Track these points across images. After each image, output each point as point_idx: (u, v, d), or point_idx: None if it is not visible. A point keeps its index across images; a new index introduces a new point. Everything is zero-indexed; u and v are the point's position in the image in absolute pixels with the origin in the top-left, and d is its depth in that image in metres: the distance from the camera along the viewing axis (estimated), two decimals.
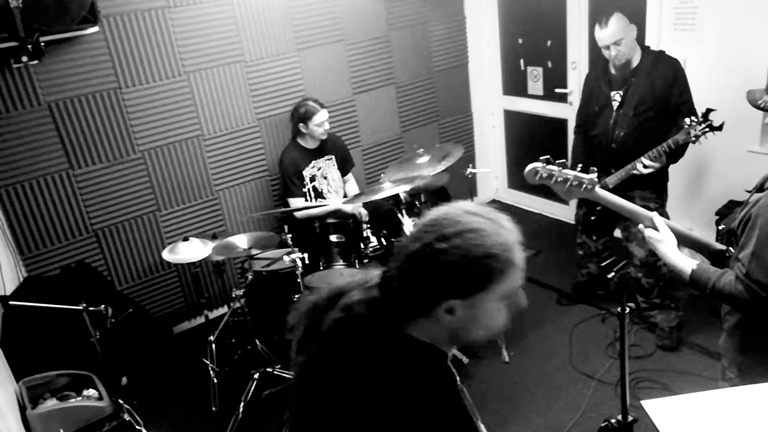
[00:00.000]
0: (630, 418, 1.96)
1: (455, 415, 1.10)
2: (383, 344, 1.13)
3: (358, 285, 1.22)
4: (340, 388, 1.13)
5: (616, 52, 3.04)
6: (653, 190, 3.21)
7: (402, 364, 1.10)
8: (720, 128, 2.71)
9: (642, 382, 3.10)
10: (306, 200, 3.74)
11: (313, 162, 3.75)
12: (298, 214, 3.66)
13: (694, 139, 2.76)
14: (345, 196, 3.92)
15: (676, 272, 1.84)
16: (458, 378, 1.19)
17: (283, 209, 3.82)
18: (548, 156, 1.89)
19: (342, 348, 1.14)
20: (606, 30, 3.01)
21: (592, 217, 3.34)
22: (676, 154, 2.98)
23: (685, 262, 1.81)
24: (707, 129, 2.73)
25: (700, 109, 2.82)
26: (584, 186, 1.85)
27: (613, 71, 3.21)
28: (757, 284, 1.65)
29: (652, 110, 3.08)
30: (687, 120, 2.77)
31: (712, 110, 2.72)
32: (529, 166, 1.92)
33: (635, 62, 3.11)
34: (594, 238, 3.58)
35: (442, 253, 1.06)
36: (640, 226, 1.90)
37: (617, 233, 3.54)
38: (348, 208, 3.57)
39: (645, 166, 2.98)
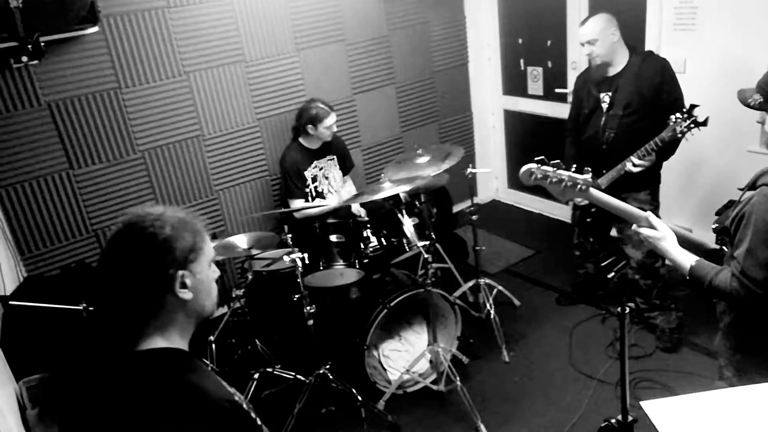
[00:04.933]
0: (630, 418, 1.96)
1: (221, 402, 1.16)
2: (123, 375, 1.18)
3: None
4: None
5: (590, 51, 3.10)
6: (647, 192, 3.21)
7: (150, 384, 1.15)
8: (705, 123, 2.72)
9: (642, 382, 3.11)
10: (307, 201, 3.74)
11: (314, 162, 3.75)
12: (297, 213, 3.66)
13: (680, 135, 2.77)
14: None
15: (677, 268, 1.84)
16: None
17: (283, 209, 3.82)
18: (543, 157, 1.90)
19: (92, 393, 1.23)
20: (583, 28, 3.10)
21: (588, 219, 3.34)
22: (666, 151, 2.99)
23: (686, 259, 1.81)
24: (692, 125, 2.73)
25: (688, 106, 2.82)
26: (578, 186, 1.86)
27: (594, 71, 3.23)
28: (752, 281, 1.66)
29: (641, 111, 3.08)
30: (672, 117, 2.78)
31: (696, 105, 2.72)
32: (524, 168, 1.93)
33: (619, 65, 3.12)
34: (591, 239, 3.58)
35: (156, 233, 1.19)
36: (634, 227, 1.90)
37: (613, 233, 3.54)
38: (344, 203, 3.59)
39: (634, 165, 2.98)
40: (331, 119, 3.61)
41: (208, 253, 1.28)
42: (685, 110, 2.74)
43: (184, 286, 1.22)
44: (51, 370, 1.31)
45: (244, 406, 1.20)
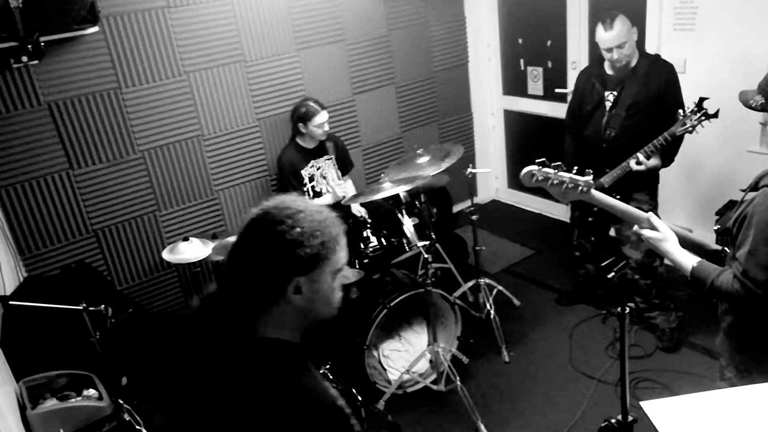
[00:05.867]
0: (630, 418, 1.96)
1: (328, 406, 1.18)
2: (239, 358, 1.20)
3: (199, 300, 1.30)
4: (208, 413, 1.21)
5: (619, 55, 3.03)
6: (646, 192, 3.21)
7: (264, 376, 1.18)
8: (716, 115, 2.69)
9: (642, 382, 3.11)
10: None
11: (312, 162, 3.75)
12: None
13: (690, 129, 2.75)
14: (344, 196, 3.92)
15: (679, 269, 1.84)
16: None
17: None
18: (544, 159, 1.90)
19: (201, 367, 1.23)
20: (611, 32, 2.99)
21: (589, 219, 3.34)
22: (670, 151, 2.98)
23: (687, 259, 1.81)
24: (703, 117, 2.71)
25: (691, 103, 2.81)
26: (580, 188, 1.86)
27: (609, 72, 3.20)
28: (753, 282, 1.66)
29: (644, 112, 3.08)
30: (681, 111, 2.76)
31: (705, 98, 2.70)
32: (525, 169, 1.93)
33: (633, 64, 3.11)
34: (591, 239, 3.58)
35: (282, 233, 1.16)
36: (636, 228, 1.90)
37: (612, 232, 3.55)
38: (339, 192, 3.60)
39: (638, 162, 2.97)
40: (321, 117, 3.61)
41: (335, 262, 1.23)
42: (694, 104, 2.72)
43: (298, 291, 1.20)
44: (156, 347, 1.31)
45: (346, 410, 1.21)
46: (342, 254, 1.25)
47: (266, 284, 1.19)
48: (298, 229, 1.17)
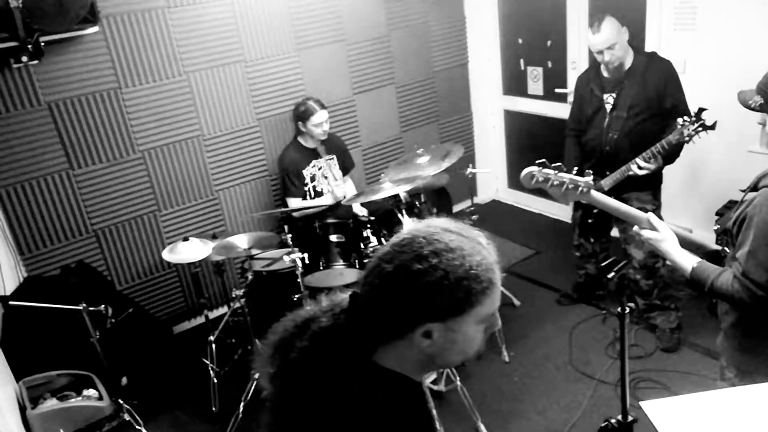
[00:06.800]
0: (630, 418, 1.96)
1: None
2: (350, 379, 1.06)
3: (325, 311, 1.16)
4: (308, 427, 1.07)
5: (610, 57, 3.03)
6: (649, 192, 3.20)
7: (370, 401, 1.04)
8: (713, 127, 2.70)
9: (642, 382, 3.10)
10: (305, 200, 3.74)
11: (313, 161, 3.75)
12: (296, 213, 3.66)
13: (687, 138, 2.75)
14: (344, 196, 3.92)
15: (679, 270, 1.84)
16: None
17: (283, 209, 3.82)
18: (544, 160, 1.90)
19: (308, 382, 1.08)
20: (599, 35, 2.99)
21: (590, 220, 3.34)
22: (671, 154, 2.98)
23: (687, 260, 1.81)
24: (700, 128, 2.72)
25: (696, 109, 2.82)
26: (580, 189, 1.86)
27: (606, 74, 3.20)
28: (753, 283, 1.66)
29: (645, 112, 3.08)
30: (680, 120, 2.76)
31: (704, 109, 2.70)
32: (525, 171, 1.93)
33: (628, 64, 3.10)
34: (591, 239, 3.58)
35: (421, 275, 1.00)
36: (636, 228, 1.90)
37: (614, 233, 3.54)
38: (339, 193, 3.58)
39: (640, 167, 2.97)
40: (319, 116, 3.60)
41: (483, 310, 1.04)
42: (693, 114, 2.73)
43: (428, 336, 1.03)
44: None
45: None
46: (493, 301, 1.06)
47: (393, 322, 1.04)
48: (441, 272, 0.99)
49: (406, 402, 1.08)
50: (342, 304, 1.14)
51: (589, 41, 3.07)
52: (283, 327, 1.15)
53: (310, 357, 1.09)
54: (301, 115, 3.62)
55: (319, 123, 3.61)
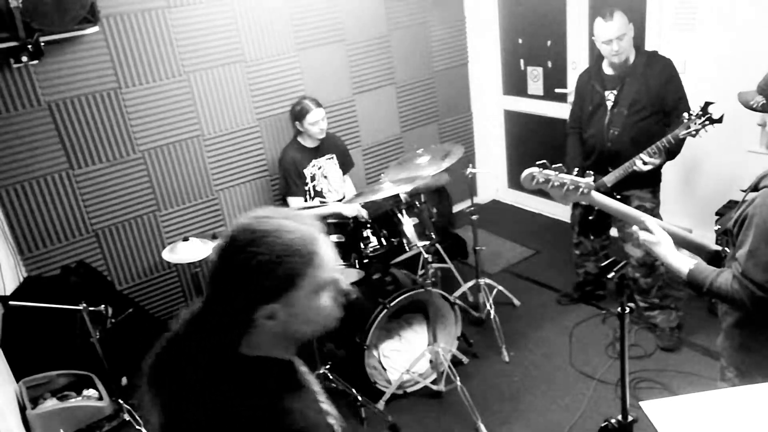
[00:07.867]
0: (630, 418, 1.96)
1: (313, 421, 1.13)
2: (219, 376, 1.12)
3: (182, 323, 1.20)
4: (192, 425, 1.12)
5: (618, 47, 3.02)
6: (649, 190, 3.21)
7: (241, 393, 1.10)
8: (720, 120, 2.69)
9: (642, 382, 3.11)
10: (306, 200, 3.74)
11: (313, 161, 3.74)
12: None
13: (694, 132, 2.75)
14: (344, 196, 3.92)
15: (674, 272, 1.85)
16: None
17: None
18: (545, 161, 1.91)
19: (184, 391, 1.14)
20: (612, 24, 2.99)
21: (590, 218, 3.34)
22: (674, 149, 2.98)
23: (683, 262, 1.82)
24: (707, 122, 2.72)
25: (696, 107, 2.82)
26: (580, 190, 1.87)
27: (608, 71, 3.20)
28: (753, 283, 1.66)
29: (646, 109, 3.08)
30: (686, 114, 2.77)
31: (711, 103, 2.70)
32: (526, 172, 1.93)
33: (630, 61, 3.11)
34: (591, 237, 3.58)
35: (244, 263, 1.07)
36: (634, 227, 1.91)
37: (614, 232, 3.54)
38: (347, 211, 3.55)
39: (645, 162, 2.97)
40: (315, 115, 3.59)
41: (313, 281, 1.11)
42: (700, 108, 2.73)
43: (272, 317, 1.10)
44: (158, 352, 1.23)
45: (336, 428, 1.16)
46: (322, 270, 1.13)
47: (236, 312, 1.11)
48: (260, 257, 1.07)
49: (278, 382, 1.14)
50: (194, 311, 1.20)
51: (599, 30, 3.05)
52: (153, 354, 1.20)
53: (179, 367, 1.15)
54: (297, 114, 3.61)
55: (315, 121, 3.60)
